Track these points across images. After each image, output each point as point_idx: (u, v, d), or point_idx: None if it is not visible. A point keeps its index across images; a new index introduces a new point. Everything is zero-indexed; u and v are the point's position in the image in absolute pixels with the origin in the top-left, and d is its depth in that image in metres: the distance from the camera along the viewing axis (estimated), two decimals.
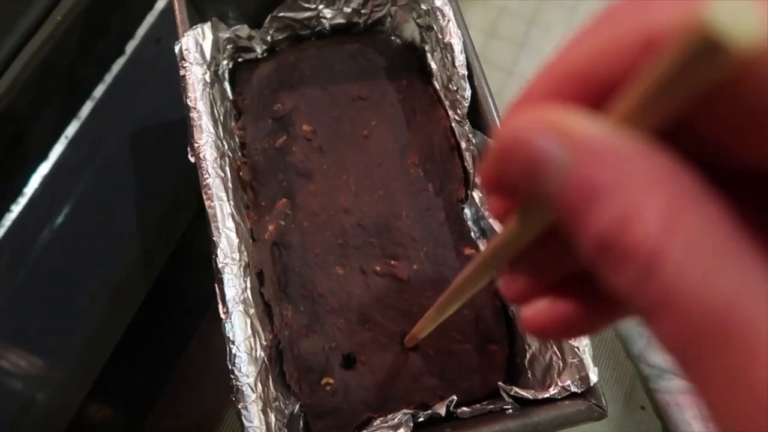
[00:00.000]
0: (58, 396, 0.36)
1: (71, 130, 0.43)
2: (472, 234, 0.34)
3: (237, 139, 0.36)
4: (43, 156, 0.42)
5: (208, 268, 0.31)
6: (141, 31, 0.45)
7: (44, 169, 0.42)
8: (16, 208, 0.40)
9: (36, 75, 0.38)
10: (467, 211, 0.35)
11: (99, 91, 0.44)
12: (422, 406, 0.31)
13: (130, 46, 0.45)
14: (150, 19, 0.45)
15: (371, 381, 0.31)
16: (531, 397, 0.28)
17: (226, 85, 0.37)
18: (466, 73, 0.32)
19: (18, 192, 0.41)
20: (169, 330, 0.40)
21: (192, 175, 0.32)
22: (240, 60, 0.39)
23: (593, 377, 0.27)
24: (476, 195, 0.34)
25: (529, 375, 0.31)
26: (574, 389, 0.27)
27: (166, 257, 0.38)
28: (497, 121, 0.31)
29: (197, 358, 0.41)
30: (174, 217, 0.39)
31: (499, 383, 0.29)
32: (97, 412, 0.38)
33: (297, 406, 0.31)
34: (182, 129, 0.42)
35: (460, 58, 0.32)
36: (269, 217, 0.34)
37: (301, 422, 0.31)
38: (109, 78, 0.44)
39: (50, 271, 0.38)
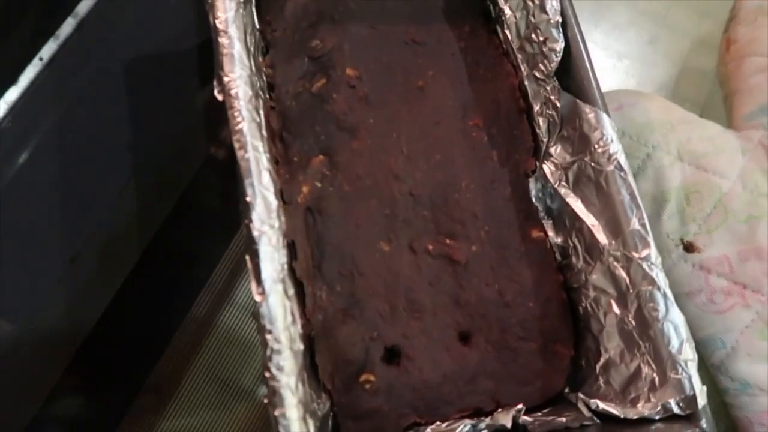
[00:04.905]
0: (30, 371, 0.30)
1: (47, 51, 0.35)
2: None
3: (264, 78, 0.29)
4: (12, 80, 0.34)
5: (212, 225, 0.25)
6: None
7: (12, 95, 0.34)
8: None
9: None
10: (531, 186, 0.30)
11: (84, 6, 0.36)
12: (476, 411, 0.26)
13: None
14: None
15: (419, 380, 0.26)
16: (620, 415, 0.24)
17: (253, 10, 0.30)
18: (560, 20, 0.26)
19: None
20: (162, 299, 0.34)
21: (200, 115, 0.26)
22: None
23: (701, 400, 0.22)
24: (547, 168, 0.29)
25: (601, 382, 0.26)
26: (677, 410, 0.23)
27: (166, 215, 0.32)
28: (593, 82, 0.26)
29: (192, 332, 0.35)
30: (177, 165, 0.33)
31: (580, 395, 0.25)
32: (75, 392, 0.32)
33: (328, 405, 0.26)
34: (191, 58, 0.36)
35: (552, 3, 0.26)
36: (303, 176, 0.28)
37: (330, 423, 0.26)
38: None
39: (17, 222, 0.32)
